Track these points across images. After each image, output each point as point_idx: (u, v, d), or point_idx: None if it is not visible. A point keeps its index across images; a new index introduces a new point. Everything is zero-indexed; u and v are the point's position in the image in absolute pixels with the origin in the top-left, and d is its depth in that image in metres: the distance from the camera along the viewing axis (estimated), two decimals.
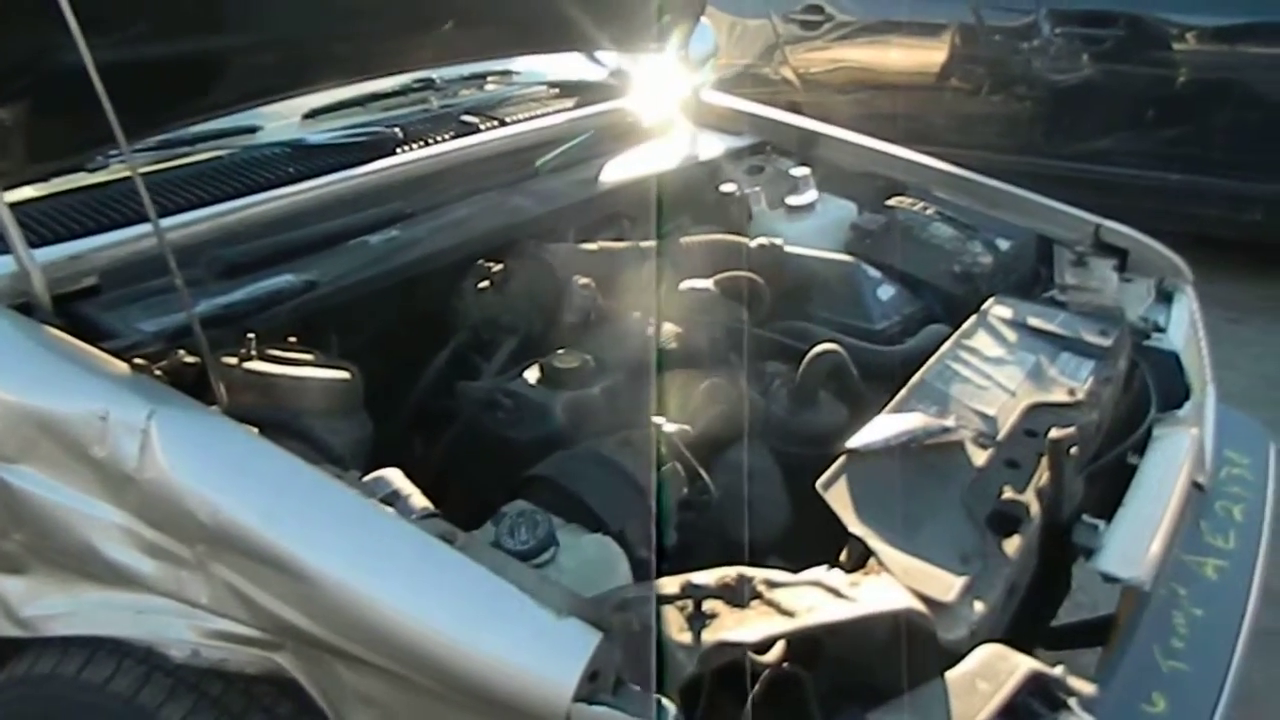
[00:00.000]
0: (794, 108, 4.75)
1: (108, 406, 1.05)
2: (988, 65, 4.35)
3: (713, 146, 2.20)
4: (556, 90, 2.30)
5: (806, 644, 1.00)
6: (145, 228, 1.12)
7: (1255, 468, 1.69)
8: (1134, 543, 1.31)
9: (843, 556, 1.15)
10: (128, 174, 1.05)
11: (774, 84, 4.96)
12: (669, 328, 1.58)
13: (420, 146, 1.85)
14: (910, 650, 0.99)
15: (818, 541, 1.18)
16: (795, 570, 1.06)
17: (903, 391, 1.42)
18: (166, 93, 1.40)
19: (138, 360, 1.12)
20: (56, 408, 1.07)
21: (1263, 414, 2.59)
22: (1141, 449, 1.54)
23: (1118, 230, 1.82)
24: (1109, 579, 1.27)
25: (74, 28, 0.94)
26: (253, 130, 1.80)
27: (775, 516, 1.37)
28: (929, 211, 2.00)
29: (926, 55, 4.49)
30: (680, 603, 0.95)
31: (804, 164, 2.19)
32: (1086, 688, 0.94)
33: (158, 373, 1.13)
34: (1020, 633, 1.30)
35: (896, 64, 4.60)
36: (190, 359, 1.18)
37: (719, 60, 4.93)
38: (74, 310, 1.29)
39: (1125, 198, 3.95)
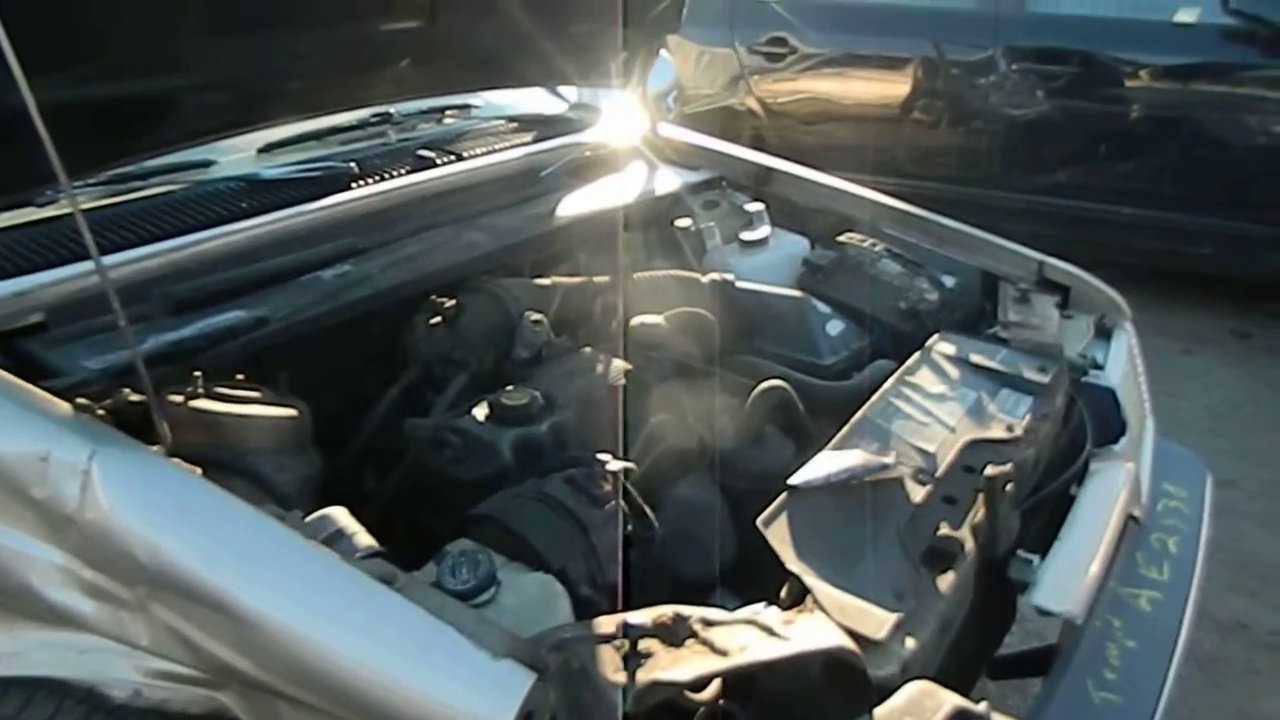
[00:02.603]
0: (758, 137, 4.85)
1: (49, 447, 1.04)
2: (947, 99, 4.44)
3: (669, 181, 2.23)
4: (515, 125, 2.33)
5: (741, 682, 1.02)
6: (92, 264, 1.12)
7: (1191, 500, 1.73)
8: (1068, 576, 1.34)
9: (783, 593, 1.17)
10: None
11: (739, 114, 5.03)
12: (619, 364, 1.60)
13: (376, 181, 1.87)
14: (841, 688, 1.01)
15: (764, 577, 1.20)
16: (743, 604, 1.08)
17: (846, 428, 1.45)
18: (113, 130, 1.40)
19: (80, 400, 1.12)
20: None
21: (1207, 443, 2.67)
22: (1079, 483, 1.57)
23: (1060, 267, 1.87)
24: (1042, 612, 1.30)
25: (15, 67, 0.95)
26: (206, 165, 1.81)
27: (721, 552, 1.39)
28: (878, 248, 2.04)
29: (888, 88, 4.57)
30: (616, 642, 0.96)
31: (758, 199, 2.23)
32: None
33: (101, 412, 1.12)
34: (963, 663, 1.33)
35: (859, 96, 4.68)
36: (136, 397, 1.18)
37: (683, 90, 4.99)
38: (19, 347, 1.29)
39: (1079, 230, 4.07)
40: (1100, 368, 1.75)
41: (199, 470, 1.08)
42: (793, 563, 1.16)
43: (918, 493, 1.33)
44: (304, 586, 0.97)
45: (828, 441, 1.42)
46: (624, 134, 2.37)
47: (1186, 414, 3.34)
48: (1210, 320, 4.14)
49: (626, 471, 1.30)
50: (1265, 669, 2.30)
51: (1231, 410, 3.48)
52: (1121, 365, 1.78)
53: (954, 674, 1.19)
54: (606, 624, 0.98)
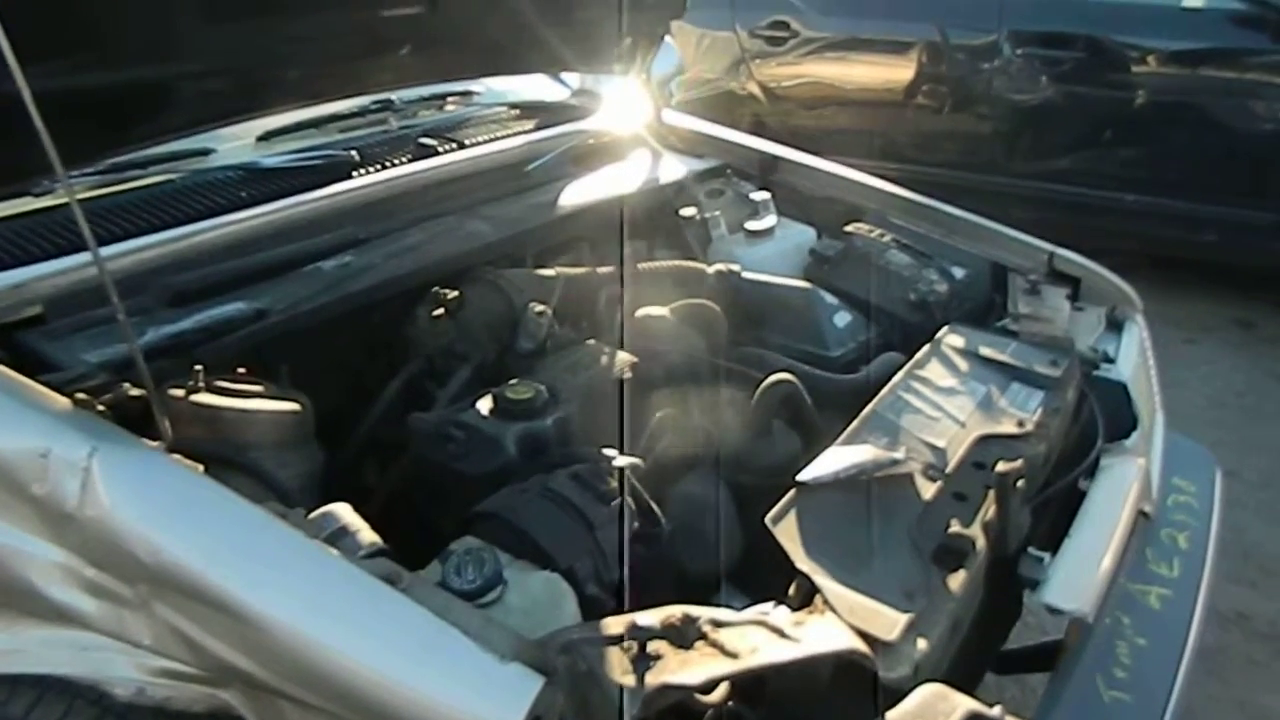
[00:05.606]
0: (759, 122, 4.81)
1: (49, 444, 1.03)
2: (951, 84, 4.40)
3: (673, 169, 2.21)
4: (518, 112, 2.30)
5: (751, 684, 1.00)
6: (90, 255, 1.11)
7: (1201, 495, 1.72)
8: (1078, 574, 1.33)
9: (791, 591, 1.15)
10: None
11: (740, 98, 4.99)
12: (624, 356, 1.58)
13: (377, 170, 1.84)
14: (852, 690, 1.00)
15: (772, 572, 1.18)
16: (750, 601, 1.07)
17: (855, 422, 1.43)
18: (110, 119, 1.38)
19: (80, 395, 1.10)
20: None
21: (1209, 433, 2.66)
22: (1089, 479, 1.56)
23: (1070, 259, 1.85)
24: (1052, 611, 1.28)
25: (9, 55, 0.93)
26: (205, 153, 1.79)
27: (728, 548, 1.38)
28: (886, 238, 2.02)
29: (892, 73, 4.53)
30: (625, 644, 0.95)
31: (764, 188, 2.21)
32: None
33: (100, 408, 1.11)
34: (970, 660, 1.31)
35: (862, 80, 4.64)
36: (135, 392, 1.17)
37: (685, 75, 4.94)
38: (17, 340, 1.27)
39: (1083, 217, 4.04)
40: (1111, 361, 1.73)
41: (200, 466, 1.06)
42: (802, 561, 1.15)
43: (928, 489, 1.31)
44: (307, 586, 0.96)
45: (836, 436, 1.40)
46: (628, 121, 2.34)
47: (1188, 403, 3.33)
48: (1213, 309, 4.12)
49: (633, 467, 1.28)
50: (1265, 661, 2.29)
51: (1234, 399, 3.46)
52: (1133, 359, 1.76)
53: (960, 671, 1.18)
54: (615, 625, 0.97)
